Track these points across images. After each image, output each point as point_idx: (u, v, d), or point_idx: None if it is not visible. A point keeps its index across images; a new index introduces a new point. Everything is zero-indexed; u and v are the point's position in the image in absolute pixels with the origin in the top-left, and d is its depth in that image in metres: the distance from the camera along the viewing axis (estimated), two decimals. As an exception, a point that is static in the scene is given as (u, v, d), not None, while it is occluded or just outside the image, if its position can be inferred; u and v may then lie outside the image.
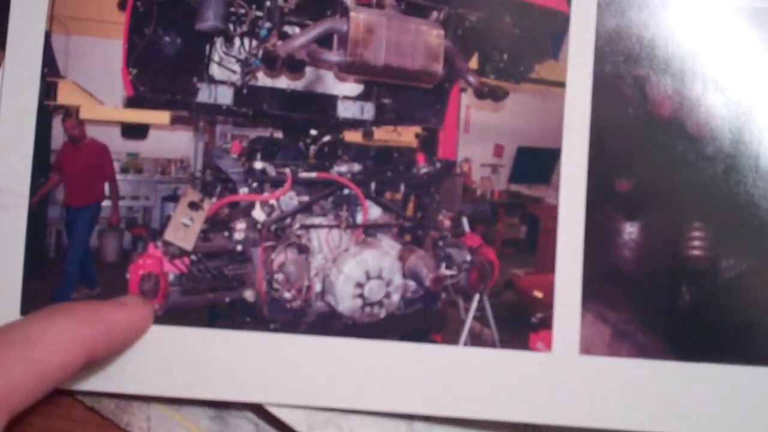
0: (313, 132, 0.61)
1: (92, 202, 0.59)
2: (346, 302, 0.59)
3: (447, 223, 0.61)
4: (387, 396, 0.55)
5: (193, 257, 0.57)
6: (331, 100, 0.61)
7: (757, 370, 0.55)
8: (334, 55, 0.59)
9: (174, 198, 0.59)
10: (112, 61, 0.58)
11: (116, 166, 0.59)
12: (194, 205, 0.57)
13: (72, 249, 0.58)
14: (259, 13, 0.59)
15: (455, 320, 0.58)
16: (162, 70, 0.58)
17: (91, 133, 0.58)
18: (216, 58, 0.60)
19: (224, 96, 0.59)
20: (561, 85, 0.57)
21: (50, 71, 0.57)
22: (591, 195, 0.56)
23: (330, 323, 0.58)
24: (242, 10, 0.58)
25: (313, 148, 0.61)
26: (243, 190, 0.59)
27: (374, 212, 0.61)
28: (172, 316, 0.56)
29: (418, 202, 0.62)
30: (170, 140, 0.60)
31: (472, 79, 0.60)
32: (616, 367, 0.55)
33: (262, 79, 0.60)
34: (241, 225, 0.58)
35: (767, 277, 0.56)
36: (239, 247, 0.58)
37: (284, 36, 0.59)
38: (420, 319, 0.60)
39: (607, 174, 0.57)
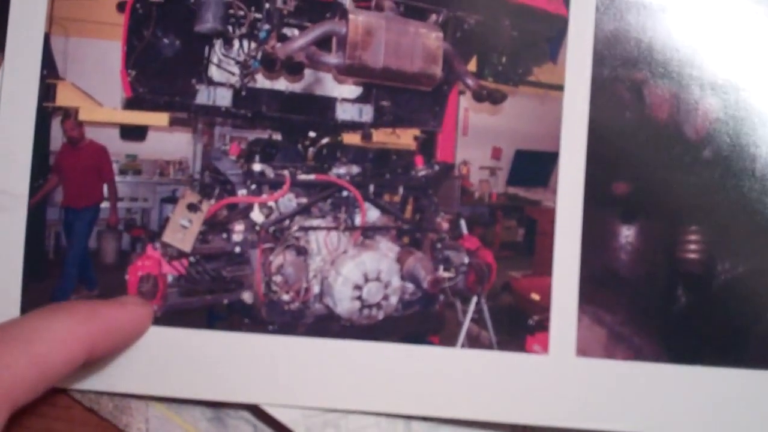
0: (312, 134, 0.61)
1: (91, 203, 0.59)
2: (344, 304, 0.59)
3: (445, 225, 0.61)
4: (385, 397, 0.55)
5: (192, 259, 0.58)
6: (329, 103, 0.62)
7: (751, 373, 0.55)
8: (332, 58, 0.59)
9: (173, 199, 0.59)
10: (111, 63, 0.58)
11: (115, 167, 0.59)
12: (193, 207, 0.57)
13: (71, 250, 0.58)
14: (258, 16, 0.59)
15: (453, 322, 0.59)
16: (161, 72, 0.58)
17: (90, 135, 0.58)
18: (215, 60, 0.60)
19: (223, 98, 0.60)
20: (559, 88, 0.57)
21: (49, 73, 0.57)
22: (588, 198, 0.56)
23: (328, 325, 0.58)
24: (241, 12, 0.58)
25: (311, 150, 0.61)
26: (241, 192, 0.59)
27: (373, 214, 0.62)
28: (171, 317, 0.56)
29: (416, 205, 0.63)
30: (169, 142, 0.60)
31: (470, 81, 0.61)
32: (612, 369, 0.55)
33: (261, 81, 0.60)
34: (239, 227, 0.59)
35: (763, 280, 0.56)
36: (237, 249, 0.59)
37: (283, 38, 0.59)
38: (418, 321, 0.60)
39: (605, 177, 0.57)
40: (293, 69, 0.59)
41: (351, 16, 0.58)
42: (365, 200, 0.61)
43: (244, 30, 0.59)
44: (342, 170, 0.60)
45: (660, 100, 0.58)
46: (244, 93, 0.60)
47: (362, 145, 0.62)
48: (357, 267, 0.59)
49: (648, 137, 0.57)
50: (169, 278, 0.57)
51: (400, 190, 0.62)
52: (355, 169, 0.61)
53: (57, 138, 0.57)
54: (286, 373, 0.55)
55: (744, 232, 0.57)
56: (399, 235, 0.62)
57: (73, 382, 0.54)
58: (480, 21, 0.59)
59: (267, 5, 0.59)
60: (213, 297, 0.58)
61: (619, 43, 0.58)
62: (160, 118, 0.58)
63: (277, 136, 0.61)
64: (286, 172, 0.60)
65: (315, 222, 0.60)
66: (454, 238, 0.61)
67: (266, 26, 0.59)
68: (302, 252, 0.59)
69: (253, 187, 0.59)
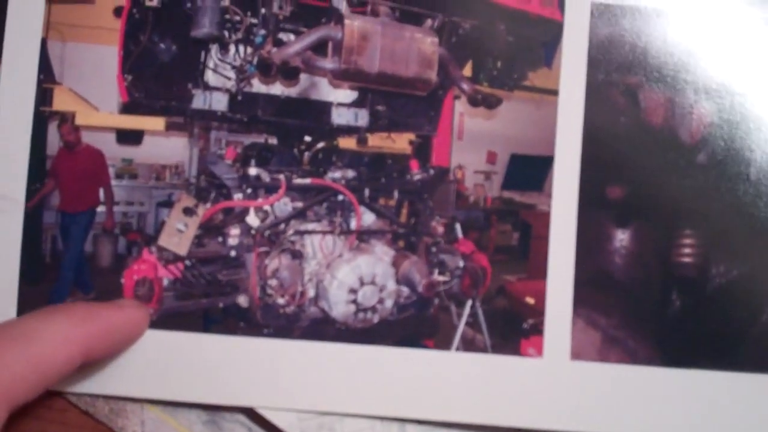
0: (308, 138, 0.61)
1: (87, 207, 0.59)
2: (339, 308, 0.59)
3: (440, 229, 0.62)
4: (380, 400, 0.55)
5: (188, 262, 0.58)
6: (325, 107, 0.62)
7: (746, 377, 0.55)
8: (328, 62, 0.59)
9: (168, 203, 0.59)
10: (108, 68, 0.58)
11: (111, 171, 0.59)
12: (189, 211, 0.57)
13: (67, 254, 0.58)
14: (254, 21, 0.59)
15: (448, 326, 0.59)
16: (157, 77, 0.58)
17: (86, 139, 0.58)
18: (211, 64, 0.60)
19: (219, 102, 0.60)
20: (554, 93, 0.57)
21: (46, 78, 0.57)
22: (583, 202, 0.57)
23: (323, 329, 0.59)
24: (237, 18, 0.59)
25: (307, 155, 0.61)
26: (237, 196, 0.59)
27: (368, 218, 0.62)
28: (167, 320, 0.56)
29: (411, 209, 0.63)
30: (165, 146, 0.60)
31: (465, 86, 0.61)
32: (606, 372, 0.55)
33: (257, 86, 0.60)
34: (235, 231, 0.59)
35: (757, 284, 0.56)
36: (233, 253, 0.59)
37: (279, 43, 0.59)
38: (413, 325, 0.60)
39: (599, 181, 0.57)
40: (289, 74, 0.59)
41: (347, 21, 0.58)
42: (360, 204, 0.61)
43: (240, 35, 0.59)
44: (337, 174, 0.60)
45: (655, 104, 0.58)
46: (240, 97, 0.60)
47: (358, 150, 0.62)
48: (352, 271, 0.59)
49: (643, 141, 0.57)
50: (165, 282, 0.57)
51: (396, 194, 0.63)
52: (350, 173, 0.61)
53: (53, 142, 0.58)
54: (281, 377, 0.55)
55: (738, 235, 0.57)
56: (394, 239, 0.62)
57: (69, 385, 0.54)
58: (475, 26, 0.60)
59: (263, 10, 0.59)
60: (208, 300, 0.58)
61: (613, 47, 0.58)
62: (156, 123, 0.59)
63: (273, 141, 0.61)
64: (281, 176, 0.60)
65: (310, 226, 0.61)
66: (449, 242, 0.61)
67: (262, 31, 0.59)
68: (297, 256, 0.59)
69: (249, 191, 0.59)
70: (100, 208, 0.60)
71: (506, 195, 0.62)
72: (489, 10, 0.59)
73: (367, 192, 0.61)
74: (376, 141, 0.63)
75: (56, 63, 0.57)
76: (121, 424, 0.57)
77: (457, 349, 0.57)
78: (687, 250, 0.57)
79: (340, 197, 0.61)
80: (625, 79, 0.58)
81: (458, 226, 0.61)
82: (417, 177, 0.62)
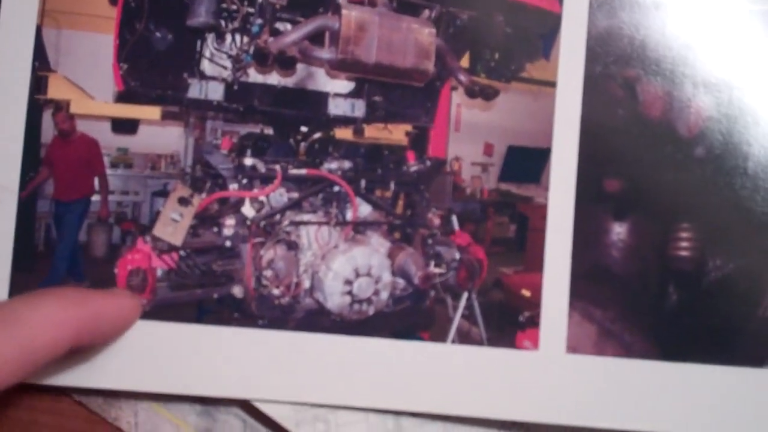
0: (304, 129, 0.61)
1: (82, 196, 0.59)
2: (334, 299, 0.59)
3: (436, 221, 0.61)
4: (375, 392, 0.55)
5: (182, 253, 0.57)
6: (321, 97, 0.61)
7: (742, 371, 0.55)
8: (325, 53, 0.59)
9: (164, 193, 0.59)
10: (103, 56, 0.58)
11: (106, 160, 0.59)
12: (184, 201, 0.57)
13: (61, 243, 0.58)
14: (251, 10, 0.59)
15: (443, 318, 0.58)
16: (153, 66, 0.58)
17: (81, 128, 0.58)
18: (207, 54, 0.60)
19: (215, 92, 0.59)
20: (552, 84, 0.57)
21: (41, 65, 0.56)
22: (580, 195, 0.56)
23: (318, 320, 0.58)
24: (234, 7, 0.58)
25: (303, 145, 0.61)
26: (233, 186, 0.59)
27: (364, 209, 0.62)
28: (160, 311, 0.56)
29: (407, 200, 0.62)
30: (160, 135, 0.59)
31: (463, 77, 0.61)
32: (603, 366, 0.55)
33: (253, 76, 0.60)
34: (230, 221, 0.58)
35: (754, 278, 0.56)
36: (228, 243, 0.58)
37: (276, 33, 0.59)
38: (408, 317, 0.60)
39: (597, 174, 0.57)
40: (285, 63, 0.59)
41: (344, 12, 0.58)
42: (357, 195, 0.61)
43: (236, 24, 0.59)
44: (333, 165, 0.60)
45: (653, 97, 0.58)
46: (236, 87, 0.60)
47: (354, 141, 0.62)
48: (348, 262, 0.59)
49: (640, 134, 0.57)
50: (159, 272, 0.57)
51: (392, 185, 0.62)
52: (346, 164, 0.60)
53: (48, 131, 0.57)
54: (275, 368, 0.55)
55: (736, 229, 0.57)
56: (390, 230, 0.62)
57: (61, 378, 0.54)
58: (473, 17, 0.59)
59: (260, 0, 0.59)
60: (203, 291, 0.58)
61: (612, 40, 0.58)
62: (152, 112, 0.58)
63: (269, 131, 0.60)
64: (277, 167, 0.60)
65: (306, 217, 0.60)
66: (446, 233, 0.61)
67: (259, 21, 0.59)
68: (293, 247, 0.59)
69: (245, 181, 0.59)
70: (95, 197, 0.59)
71: (503, 187, 0.62)
72: (487, 1, 0.59)
73: (363, 183, 0.61)
74: (373, 132, 0.62)
75: (51, 51, 0.57)
76: (114, 414, 0.57)
77: (453, 341, 0.57)
78: (684, 244, 0.57)
79: (336, 188, 0.60)
80: (623, 72, 0.58)
81: (455, 218, 0.61)
82: (413, 168, 0.62)
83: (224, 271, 0.58)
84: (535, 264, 0.56)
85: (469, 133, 0.61)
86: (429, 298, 0.59)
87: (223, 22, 0.59)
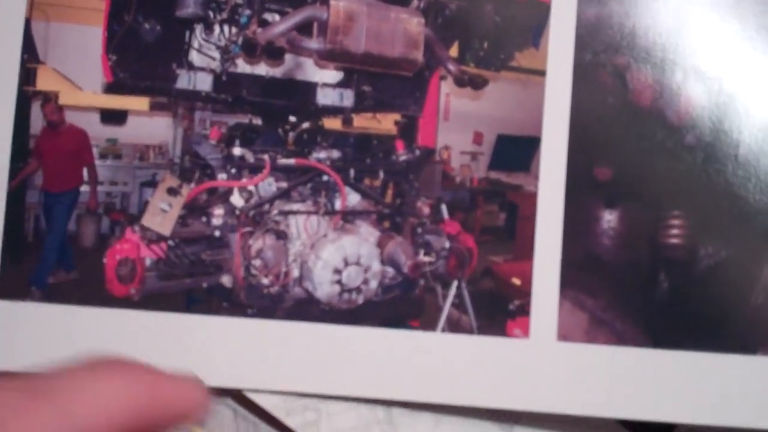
0: (293, 119, 0.61)
1: (71, 187, 0.59)
2: (323, 288, 0.59)
3: (426, 210, 0.61)
4: (365, 382, 0.55)
5: (171, 242, 0.57)
6: (310, 87, 0.61)
7: (733, 358, 0.55)
8: (313, 43, 0.59)
9: (152, 184, 0.59)
10: (92, 48, 0.58)
11: (95, 151, 0.59)
12: (172, 191, 0.57)
13: (50, 234, 0.58)
14: (239, 1, 0.59)
15: (433, 307, 0.58)
16: (141, 57, 0.58)
17: (70, 119, 0.58)
18: (195, 44, 0.60)
19: (203, 82, 0.59)
20: (541, 73, 0.57)
21: (30, 57, 0.57)
22: (570, 183, 0.56)
23: (307, 309, 0.58)
24: (222, -3, 0.58)
25: (292, 135, 0.60)
26: (221, 176, 0.59)
27: (353, 199, 0.61)
28: (149, 301, 0.56)
29: (397, 189, 0.62)
30: (149, 126, 0.60)
31: (452, 67, 0.60)
32: (594, 354, 0.55)
33: (242, 66, 0.60)
34: (219, 211, 0.58)
35: (745, 265, 0.56)
36: (217, 233, 0.58)
37: (264, 23, 0.59)
38: (398, 306, 0.60)
39: (587, 162, 0.57)
40: (274, 54, 0.59)
41: (332, 2, 0.58)
42: (345, 185, 0.61)
43: (224, 15, 0.59)
44: (322, 155, 0.60)
45: (642, 85, 0.57)
46: (224, 78, 0.60)
47: (343, 130, 0.62)
48: (337, 251, 0.59)
49: (630, 122, 0.57)
50: (148, 262, 0.57)
51: (381, 174, 0.62)
52: (335, 154, 0.60)
53: (37, 122, 0.58)
54: (265, 357, 0.55)
55: (726, 217, 0.56)
56: (379, 219, 0.62)
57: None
58: (462, 6, 0.59)
59: (248, -10, 0.59)
60: (192, 281, 0.58)
61: (601, 28, 0.57)
62: (141, 103, 0.58)
63: (258, 121, 0.60)
64: (266, 157, 0.59)
65: (295, 206, 0.60)
66: (435, 222, 0.61)
67: (247, 11, 0.59)
68: (282, 236, 0.59)
69: (233, 171, 0.59)
70: (84, 188, 0.59)
71: (493, 176, 0.62)
72: (475, -9, 0.59)
73: (352, 172, 0.61)
74: (362, 121, 0.62)
75: (40, 43, 0.57)
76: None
77: (443, 330, 0.57)
78: (675, 232, 0.57)
79: (325, 177, 0.60)
80: (612, 60, 0.57)
81: (444, 207, 0.61)
82: (403, 157, 0.62)
83: (213, 261, 0.58)
84: (525, 252, 0.56)
85: (459, 122, 0.61)
86: (418, 287, 0.59)
87: (211, 13, 0.59)
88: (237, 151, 0.59)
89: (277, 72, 0.61)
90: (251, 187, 0.59)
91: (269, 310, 0.57)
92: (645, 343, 0.55)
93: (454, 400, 0.55)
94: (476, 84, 0.60)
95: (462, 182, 0.62)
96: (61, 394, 0.37)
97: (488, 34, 0.60)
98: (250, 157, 0.59)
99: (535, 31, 0.59)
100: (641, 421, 0.55)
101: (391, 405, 0.56)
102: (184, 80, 0.59)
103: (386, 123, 0.63)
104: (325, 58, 0.59)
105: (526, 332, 0.55)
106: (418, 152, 0.61)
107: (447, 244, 0.60)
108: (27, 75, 0.57)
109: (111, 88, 0.58)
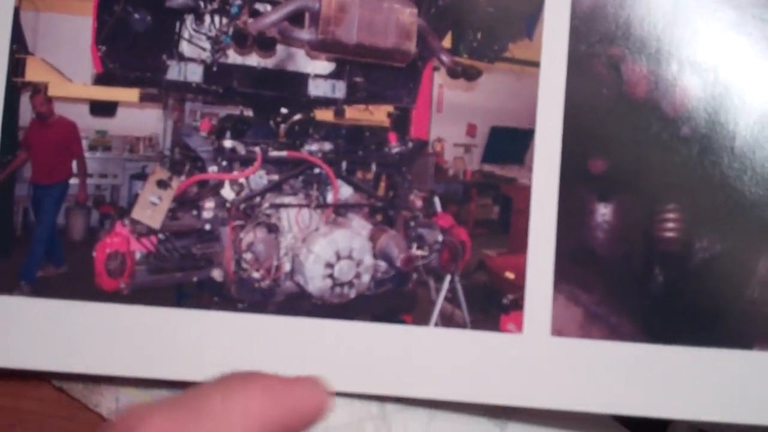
0: (284, 110, 0.60)
1: (60, 179, 0.59)
2: (315, 282, 0.58)
3: (419, 203, 0.61)
4: (358, 377, 0.55)
5: (161, 236, 0.57)
6: (302, 79, 0.61)
7: (728, 353, 0.54)
8: (305, 33, 0.58)
9: (142, 176, 0.58)
10: (82, 39, 0.57)
11: (84, 143, 0.59)
12: (162, 184, 0.57)
13: (39, 226, 0.57)
14: (230, -9, 0.58)
15: (426, 301, 0.58)
16: (131, 48, 0.58)
17: (59, 111, 0.58)
18: (186, 35, 0.59)
19: (194, 73, 0.59)
20: (535, 64, 0.57)
21: (19, 48, 0.56)
22: (564, 175, 0.56)
23: (299, 303, 0.58)
24: (212, -13, 0.58)
25: (283, 127, 0.60)
26: (212, 169, 0.58)
27: (345, 192, 0.61)
28: (139, 295, 0.56)
29: (389, 182, 0.62)
30: (139, 118, 0.59)
31: (445, 58, 0.60)
32: (588, 348, 0.55)
33: (233, 57, 0.59)
34: (209, 204, 0.58)
35: (740, 259, 0.56)
36: (207, 226, 0.58)
37: (255, 13, 0.58)
38: (390, 300, 0.59)
39: (581, 155, 0.57)
40: (265, 45, 0.58)
41: (324, -8, 0.58)
42: (337, 177, 0.60)
43: (215, 5, 0.58)
44: (314, 147, 0.60)
45: (637, 77, 0.57)
46: (215, 69, 0.59)
47: (335, 122, 0.61)
48: (329, 245, 0.58)
49: (625, 114, 0.57)
50: (138, 255, 0.56)
51: (373, 167, 0.61)
52: (327, 146, 0.60)
53: (26, 113, 0.57)
54: (256, 352, 0.54)
55: (722, 210, 0.56)
56: (372, 212, 0.61)
57: (40, 363, 0.54)
58: (455, -4, 0.59)
59: (239, -20, 0.58)
60: (182, 275, 0.57)
61: (596, 18, 0.57)
62: (131, 94, 0.58)
63: (249, 113, 0.60)
64: (257, 149, 0.59)
65: (286, 199, 0.60)
66: (428, 215, 0.60)
67: (238, 1, 0.58)
68: (273, 229, 0.59)
69: (224, 163, 0.58)
70: (73, 181, 0.59)
71: (486, 168, 0.61)
72: (469, -19, 0.58)
73: (344, 165, 0.60)
74: (354, 113, 0.62)
75: (29, 33, 0.57)
76: (95, 401, 0.56)
77: (436, 324, 0.57)
78: (670, 225, 0.56)
79: (317, 170, 0.60)
80: (607, 51, 0.57)
81: (437, 200, 0.60)
82: (395, 150, 0.61)
83: (204, 255, 0.58)
84: (519, 246, 0.56)
85: (452, 113, 0.60)
86: (411, 281, 0.59)
87: (202, 3, 0.58)
88: (228, 143, 0.59)
89: (268, 63, 0.60)
90: (242, 180, 0.59)
91: (260, 305, 0.57)
92: (640, 337, 0.55)
93: (448, 396, 0.55)
94: (470, 75, 0.60)
95: (455, 175, 0.61)
96: (200, 408, 0.36)
97: (482, 25, 0.60)
98: (241, 150, 0.59)
99: (529, 21, 0.58)
100: (636, 417, 0.55)
101: (384, 400, 0.56)
102: (174, 71, 0.59)
103: (379, 115, 0.62)
104: (317, 48, 0.59)
105: (519, 327, 0.55)
106: (410, 144, 0.61)
107: (440, 238, 0.60)
108: (16, 66, 0.56)
109: (101, 80, 0.57)
